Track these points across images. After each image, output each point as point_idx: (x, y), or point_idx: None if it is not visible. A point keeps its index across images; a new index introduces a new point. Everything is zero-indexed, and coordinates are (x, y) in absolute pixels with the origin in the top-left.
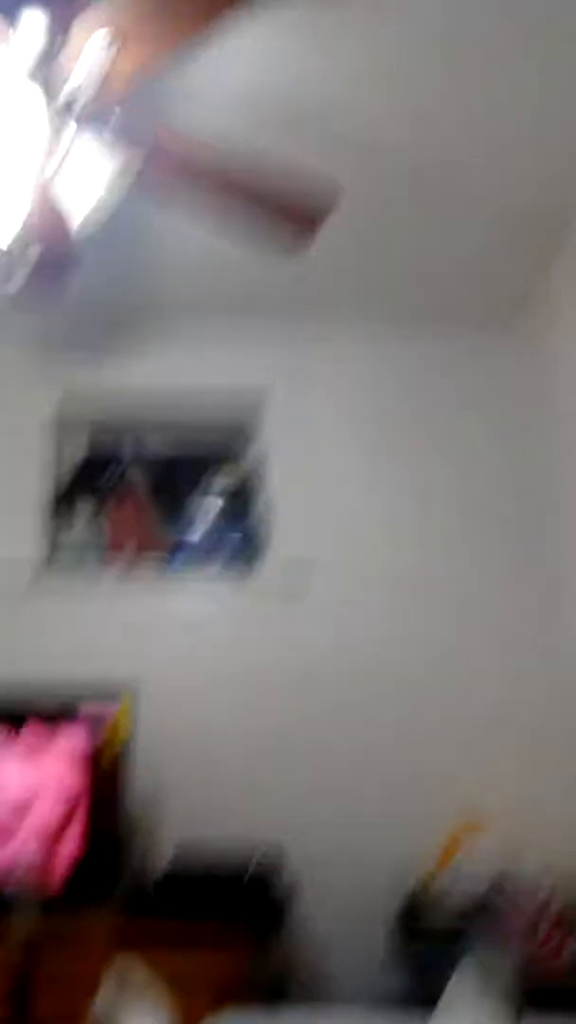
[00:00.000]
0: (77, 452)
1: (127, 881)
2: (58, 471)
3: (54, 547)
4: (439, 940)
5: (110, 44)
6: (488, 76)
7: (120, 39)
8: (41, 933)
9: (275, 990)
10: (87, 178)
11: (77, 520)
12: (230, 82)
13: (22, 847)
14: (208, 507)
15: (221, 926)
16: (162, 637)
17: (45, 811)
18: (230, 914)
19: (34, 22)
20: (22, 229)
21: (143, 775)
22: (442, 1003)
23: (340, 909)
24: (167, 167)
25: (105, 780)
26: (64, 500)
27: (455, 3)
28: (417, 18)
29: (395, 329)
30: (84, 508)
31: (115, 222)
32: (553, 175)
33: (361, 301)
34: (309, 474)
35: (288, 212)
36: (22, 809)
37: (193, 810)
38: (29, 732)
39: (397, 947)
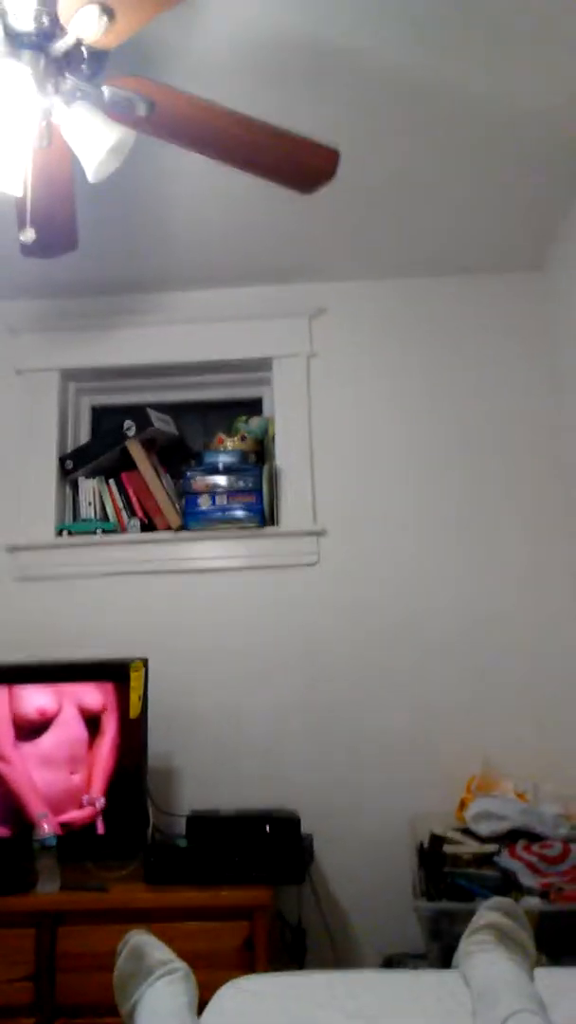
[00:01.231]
0: (84, 417)
1: (147, 848)
2: (67, 437)
3: (66, 513)
4: (466, 863)
5: (100, 15)
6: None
7: (110, 9)
8: (65, 901)
9: (296, 950)
10: (86, 133)
11: (87, 485)
12: (225, 32)
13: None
14: (219, 467)
15: (242, 890)
16: (174, 607)
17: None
18: (250, 877)
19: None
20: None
21: (157, 743)
22: (461, 952)
23: (360, 864)
24: (167, 127)
25: (126, 744)
26: (74, 466)
27: None
28: None
29: (412, 277)
30: (94, 473)
31: (115, 197)
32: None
33: (373, 249)
34: (319, 444)
35: (287, 171)
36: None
37: (207, 777)
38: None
39: (425, 877)
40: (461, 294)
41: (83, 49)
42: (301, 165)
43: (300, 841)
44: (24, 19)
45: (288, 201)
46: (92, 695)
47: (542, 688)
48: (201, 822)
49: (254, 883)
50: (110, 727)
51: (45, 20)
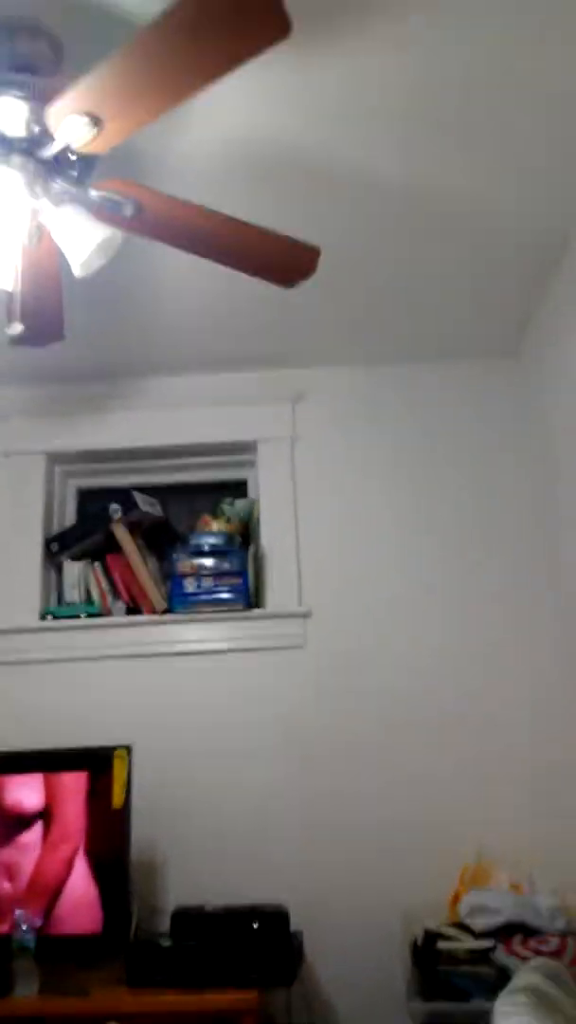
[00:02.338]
0: (70, 500)
1: (129, 947)
2: (52, 520)
3: (51, 596)
4: (462, 960)
5: (88, 124)
6: (473, 103)
7: (98, 119)
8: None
9: None
10: (73, 233)
11: (72, 569)
12: (209, 138)
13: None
14: (205, 550)
15: (229, 993)
16: (159, 692)
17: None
18: (237, 980)
19: (11, 107)
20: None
21: (140, 835)
22: (496, 1012)
23: (351, 962)
24: (152, 227)
25: (107, 837)
26: (59, 549)
27: (432, 38)
28: (396, 54)
29: (392, 363)
30: (79, 556)
31: (103, 284)
32: (546, 197)
33: (354, 338)
34: (304, 525)
35: (274, 261)
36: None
37: (193, 869)
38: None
39: (419, 976)
40: (439, 380)
41: (71, 155)
42: (282, 263)
43: (290, 939)
44: (15, 126)
45: (270, 292)
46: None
47: (535, 774)
48: (186, 920)
49: (242, 986)
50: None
51: (35, 128)
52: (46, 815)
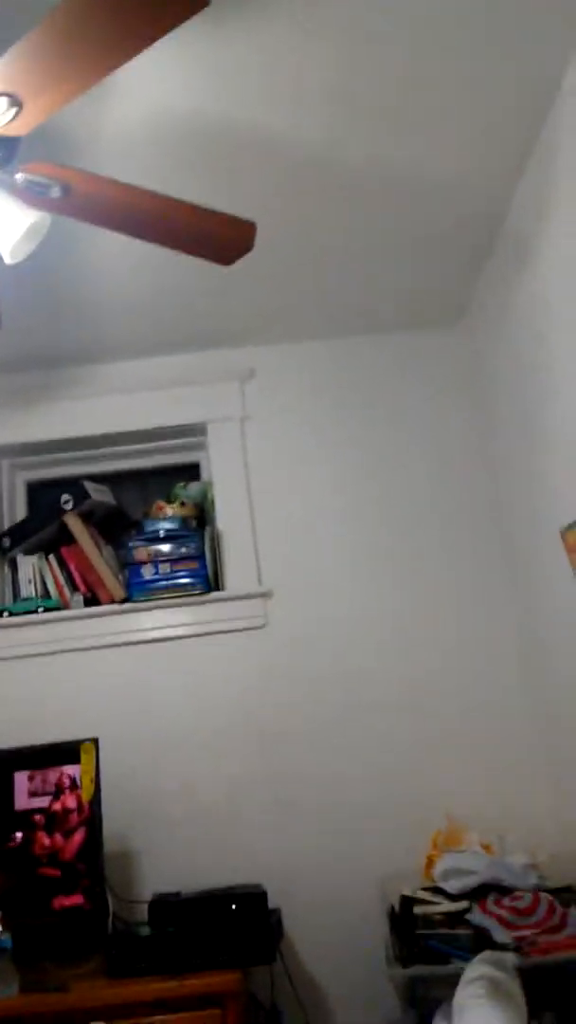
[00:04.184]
0: (20, 493)
1: (107, 939)
2: (3, 514)
3: (6, 591)
4: (439, 923)
5: (7, 105)
6: (409, 78)
7: (17, 99)
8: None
9: None
10: (0, 231)
11: (27, 562)
12: (136, 115)
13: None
14: (160, 535)
15: (211, 976)
16: (122, 682)
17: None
18: (218, 962)
19: None
20: None
21: (111, 825)
22: (455, 1005)
23: (330, 935)
24: (82, 208)
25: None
26: (12, 543)
27: (355, 11)
28: (322, 25)
29: (339, 337)
30: (33, 549)
31: (34, 269)
32: (484, 170)
33: (299, 315)
34: (259, 505)
35: (211, 239)
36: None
37: (167, 857)
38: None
39: (398, 942)
40: (385, 352)
41: None
42: (218, 239)
43: (268, 918)
44: None
45: (209, 270)
46: None
47: (497, 739)
48: (163, 907)
49: (223, 967)
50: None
51: None
52: None
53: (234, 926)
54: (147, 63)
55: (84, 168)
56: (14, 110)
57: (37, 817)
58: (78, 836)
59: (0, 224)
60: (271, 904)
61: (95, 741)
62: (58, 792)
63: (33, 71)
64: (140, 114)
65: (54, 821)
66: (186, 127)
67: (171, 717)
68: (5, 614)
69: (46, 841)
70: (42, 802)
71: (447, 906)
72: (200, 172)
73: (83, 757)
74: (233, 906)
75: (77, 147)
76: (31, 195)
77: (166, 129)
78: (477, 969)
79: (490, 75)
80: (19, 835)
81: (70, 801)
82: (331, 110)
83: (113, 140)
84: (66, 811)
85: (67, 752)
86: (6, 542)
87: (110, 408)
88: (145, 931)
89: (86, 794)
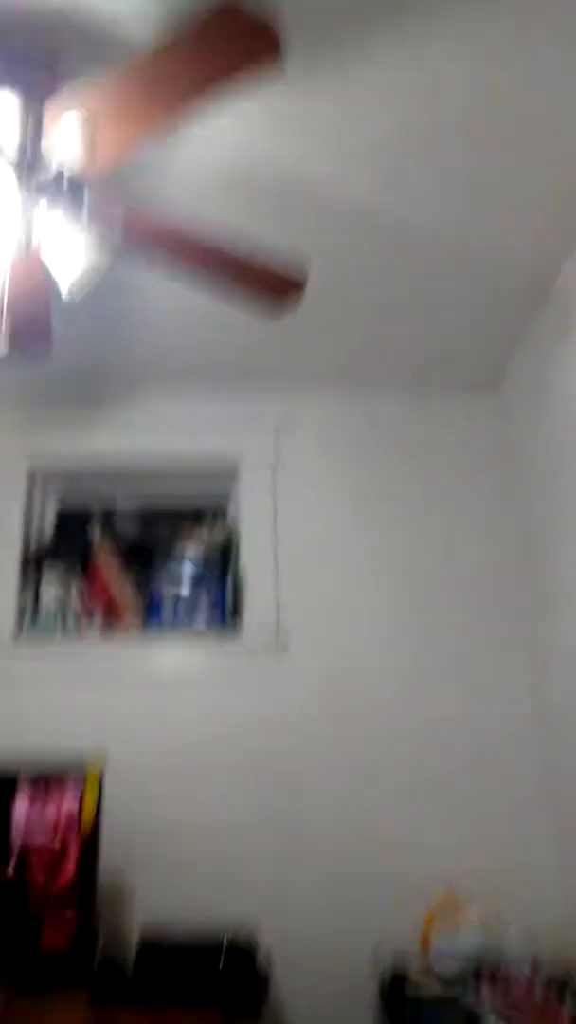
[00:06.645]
0: (49, 518)
1: (96, 966)
2: (31, 537)
3: (27, 614)
4: (429, 1007)
5: (83, 126)
6: (462, 136)
7: (94, 122)
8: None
9: None
10: (62, 253)
11: (50, 587)
12: (204, 160)
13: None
14: (183, 573)
15: (195, 1013)
16: (134, 714)
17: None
18: (204, 1000)
19: (7, 103)
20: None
21: (111, 850)
22: None
23: (319, 989)
24: (139, 245)
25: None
26: (36, 567)
27: (423, 77)
28: (389, 88)
29: (375, 392)
30: (56, 575)
31: (88, 299)
32: (534, 234)
33: (339, 366)
34: (284, 541)
35: (260, 290)
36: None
37: (162, 892)
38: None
39: (387, 1018)
40: (420, 411)
41: (64, 177)
42: (267, 294)
43: (256, 976)
44: (8, 146)
45: (254, 317)
46: None
47: (509, 804)
48: (151, 952)
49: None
50: None
51: (29, 149)
52: None
53: (221, 979)
54: (220, 112)
55: (148, 212)
56: (88, 153)
57: (33, 850)
58: (71, 869)
59: (61, 260)
60: (263, 947)
61: (100, 770)
62: (57, 825)
63: (109, 116)
64: (208, 159)
65: (50, 856)
66: (251, 174)
67: (179, 752)
68: (24, 636)
69: (39, 877)
70: (40, 836)
71: (438, 990)
72: (259, 221)
73: (88, 778)
74: (220, 964)
75: (143, 191)
76: (94, 235)
77: (231, 175)
78: None
79: (550, 151)
80: (11, 869)
81: (69, 836)
82: (394, 168)
83: (182, 187)
84: (64, 848)
85: (70, 779)
86: (31, 566)
87: (146, 444)
88: (130, 973)
89: (87, 818)
